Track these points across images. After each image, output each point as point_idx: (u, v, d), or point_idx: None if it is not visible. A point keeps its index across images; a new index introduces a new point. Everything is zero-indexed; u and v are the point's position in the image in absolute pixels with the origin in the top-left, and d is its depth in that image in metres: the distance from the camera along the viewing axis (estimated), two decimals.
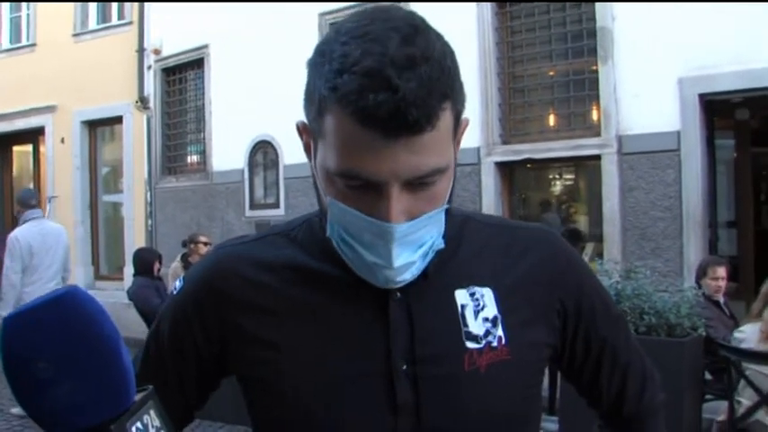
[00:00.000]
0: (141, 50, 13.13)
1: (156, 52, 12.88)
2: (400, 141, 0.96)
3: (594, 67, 8.22)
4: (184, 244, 9.21)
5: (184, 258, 8.72)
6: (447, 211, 1.12)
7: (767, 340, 4.95)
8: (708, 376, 5.74)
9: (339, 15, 9.34)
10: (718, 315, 5.91)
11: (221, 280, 1.19)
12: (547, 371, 1.32)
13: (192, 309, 1.21)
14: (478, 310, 1.15)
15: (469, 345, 1.12)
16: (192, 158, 12.97)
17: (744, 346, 5.01)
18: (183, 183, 12.77)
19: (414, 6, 9.05)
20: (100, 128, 14.68)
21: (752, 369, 4.85)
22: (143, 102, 13.11)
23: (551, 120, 8.79)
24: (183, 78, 12.94)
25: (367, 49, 0.96)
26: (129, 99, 13.27)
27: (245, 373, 1.19)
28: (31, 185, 16.35)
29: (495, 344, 1.13)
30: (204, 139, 12.41)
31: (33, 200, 7.31)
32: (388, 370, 1.10)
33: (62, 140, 14.56)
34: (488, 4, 8.90)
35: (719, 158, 8.89)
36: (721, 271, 6.05)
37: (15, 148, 16.88)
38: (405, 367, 1.10)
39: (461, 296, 1.15)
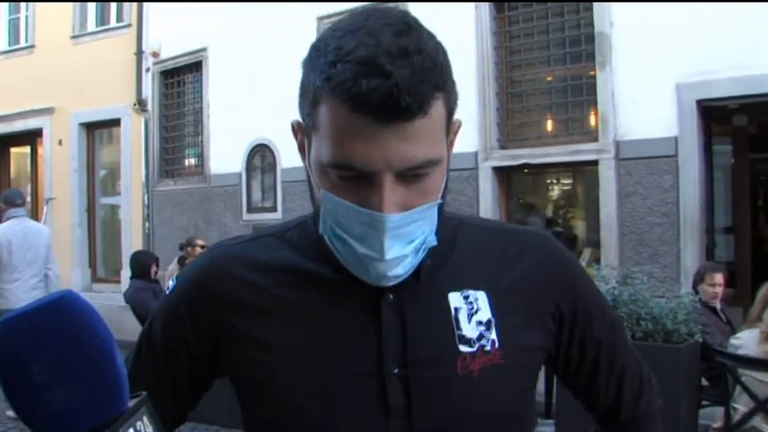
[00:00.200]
0: (140, 53, 13.14)
1: (155, 55, 12.88)
2: (392, 128, 0.98)
3: (592, 73, 8.23)
4: (182, 247, 9.21)
5: (181, 261, 8.72)
6: (441, 213, 1.12)
7: (767, 341, 4.94)
8: (704, 382, 5.74)
9: (337, 19, 9.35)
10: (715, 321, 5.91)
11: (215, 280, 1.19)
12: (543, 374, 1.32)
13: (184, 308, 1.21)
14: (472, 313, 1.15)
15: (462, 348, 1.12)
16: (190, 161, 12.97)
17: (740, 352, 5.01)
18: (181, 186, 12.76)
19: (412, 9, 9.05)
20: (98, 130, 14.67)
21: (748, 375, 4.85)
22: (141, 104, 13.11)
23: (549, 125, 8.80)
24: (181, 81, 12.94)
25: (361, 41, 0.98)
26: (127, 101, 13.27)
27: (238, 373, 1.19)
28: (29, 187, 16.36)
29: (488, 347, 1.13)
30: (202, 142, 12.41)
31: (19, 199, 7.41)
32: (380, 372, 1.10)
33: (60, 142, 14.55)
34: (487, 7, 8.90)
35: (717, 164, 8.91)
36: (718, 277, 6.06)
37: (13, 150, 16.87)
38: (396, 370, 1.10)
39: (455, 299, 1.15)
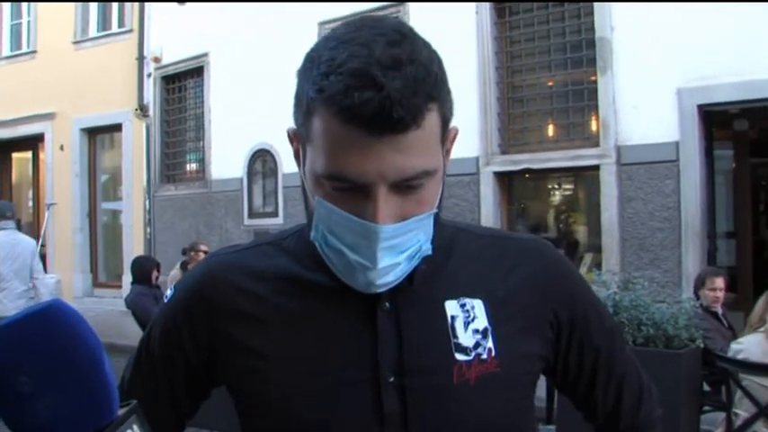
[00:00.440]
0: (141, 58, 13.17)
1: (156, 60, 12.91)
2: (385, 140, 0.97)
3: (593, 78, 8.23)
4: (185, 252, 9.21)
5: (184, 266, 8.72)
6: (437, 221, 1.12)
7: None
8: (706, 388, 5.73)
9: (339, 24, 9.37)
10: (717, 326, 5.90)
11: (212, 288, 1.19)
12: (544, 380, 1.32)
13: (182, 317, 1.21)
14: (468, 321, 1.14)
15: (459, 357, 1.11)
16: (191, 166, 12.98)
17: (742, 357, 4.99)
18: (182, 191, 12.77)
19: (414, 14, 9.09)
20: (99, 135, 14.70)
21: (749, 380, 4.84)
22: (142, 109, 13.14)
23: (550, 130, 8.80)
24: (182, 86, 12.96)
25: (353, 52, 0.97)
26: (128, 107, 13.30)
27: (235, 381, 1.19)
28: (30, 192, 16.40)
29: (484, 356, 1.12)
30: (203, 147, 12.43)
31: (9, 212, 7.67)
32: (376, 380, 1.09)
33: (61, 147, 14.58)
34: (488, 12, 8.92)
35: (718, 169, 8.90)
36: (720, 282, 6.04)
37: (15, 155, 16.90)
38: (392, 379, 1.09)
39: (451, 307, 1.15)
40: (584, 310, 1.25)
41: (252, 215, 11.59)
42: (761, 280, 7.49)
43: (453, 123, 1.11)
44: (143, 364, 1.26)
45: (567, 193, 9.70)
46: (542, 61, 8.80)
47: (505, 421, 1.15)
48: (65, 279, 14.36)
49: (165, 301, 1.27)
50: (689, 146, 7.57)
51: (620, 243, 7.96)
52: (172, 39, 12.58)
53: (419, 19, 9.25)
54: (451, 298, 1.15)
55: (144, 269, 7.78)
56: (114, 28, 14.27)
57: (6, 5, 16.05)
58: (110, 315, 11.98)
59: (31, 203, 16.71)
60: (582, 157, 8.29)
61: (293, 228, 1.27)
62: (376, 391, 1.09)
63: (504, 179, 9.05)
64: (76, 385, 0.84)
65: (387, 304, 1.12)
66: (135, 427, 0.89)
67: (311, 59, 1.03)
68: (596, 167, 8.16)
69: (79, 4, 14.33)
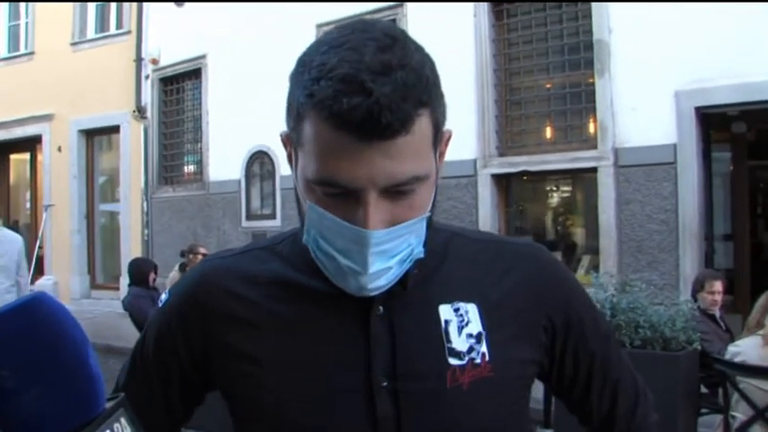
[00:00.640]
0: (139, 60, 13.16)
1: (154, 62, 12.91)
2: (374, 145, 0.97)
3: (591, 80, 8.24)
4: (183, 254, 9.20)
5: (182, 268, 8.71)
6: (430, 224, 1.11)
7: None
8: (703, 390, 5.72)
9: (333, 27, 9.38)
10: (714, 329, 5.90)
11: (206, 293, 1.19)
12: (542, 383, 1.31)
13: (176, 322, 1.21)
14: (462, 325, 1.14)
15: (452, 361, 1.11)
16: (189, 168, 12.98)
17: (739, 359, 4.99)
18: (180, 192, 12.77)
19: (412, 16, 9.08)
20: (97, 137, 14.70)
21: (747, 383, 4.83)
22: (140, 111, 13.13)
23: (548, 132, 8.81)
24: (180, 88, 12.96)
25: (344, 56, 0.97)
26: (126, 108, 13.29)
27: (228, 386, 1.19)
28: (28, 194, 16.38)
29: (478, 361, 1.12)
30: (201, 149, 12.43)
31: None
32: (369, 385, 1.09)
33: (59, 149, 14.57)
34: (486, 15, 8.93)
35: (716, 171, 8.92)
36: (718, 285, 6.04)
37: (12, 157, 16.89)
38: (386, 383, 1.09)
39: (445, 311, 1.14)
40: (578, 315, 1.25)
41: (250, 217, 11.59)
42: (758, 282, 7.50)
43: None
44: (137, 368, 1.26)
45: (565, 195, 9.71)
46: (540, 63, 8.80)
47: (499, 426, 1.14)
48: (62, 280, 14.35)
49: (160, 305, 1.27)
50: (687, 148, 7.58)
51: (618, 245, 7.97)
52: (170, 40, 12.58)
53: (417, 21, 9.27)
54: (445, 302, 1.15)
55: (141, 271, 7.77)
56: (112, 29, 14.27)
57: (4, 7, 16.05)
58: (107, 317, 11.97)
59: (28, 205, 16.70)
60: (580, 159, 8.30)
61: (287, 232, 1.27)
62: (369, 396, 1.09)
63: (501, 181, 9.06)
64: (62, 379, 0.83)
65: (380, 308, 1.12)
66: (122, 420, 0.88)
67: (303, 64, 1.03)
68: (594, 170, 8.16)
69: (77, 5, 14.33)
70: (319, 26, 9.79)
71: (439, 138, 1.07)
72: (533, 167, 8.69)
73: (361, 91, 0.94)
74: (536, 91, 8.89)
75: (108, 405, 0.88)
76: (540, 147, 8.75)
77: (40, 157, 15.56)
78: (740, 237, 9.15)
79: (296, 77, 1.04)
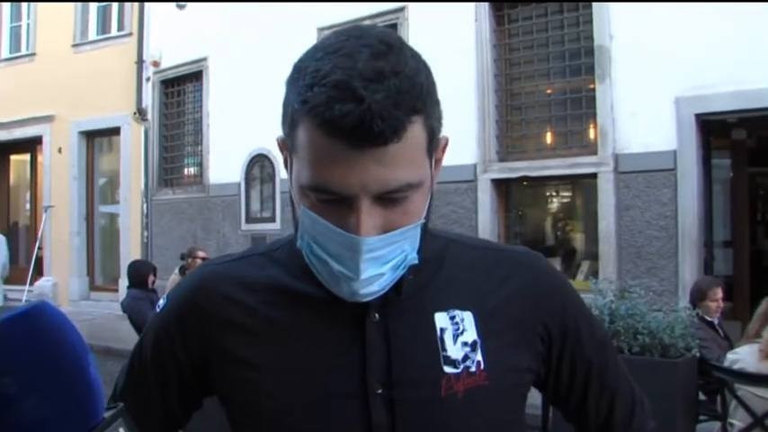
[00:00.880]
0: (140, 62, 13.17)
1: (155, 64, 12.92)
2: (366, 152, 0.97)
3: (592, 86, 8.25)
4: (183, 257, 9.19)
5: (182, 271, 8.70)
6: (426, 231, 1.12)
7: (767, 359, 4.91)
8: (702, 397, 5.72)
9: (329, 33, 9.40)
10: (713, 336, 5.89)
11: (204, 299, 1.20)
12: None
13: (174, 326, 1.22)
14: (458, 334, 1.14)
15: (447, 369, 1.11)
16: (189, 171, 12.99)
17: (738, 366, 4.99)
18: (180, 195, 12.77)
19: (413, 21, 9.07)
20: (97, 138, 14.71)
21: (745, 390, 4.83)
22: (141, 113, 13.14)
23: (548, 137, 8.81)
24: (181, 91, 12.97)
25: (337, 63, 0.97)
26: (127, 110, 13.30)
27: (226, 392, 1.19)
28: (28, 195, 16.38)
29: (473, 369, 1.12)
30: (201, 151, 12.43)
31: None
32: (364, 392, 1.10)
33: (59, 150, 14.58)
34: (487, 20, 8.94)
35: (716, 178, 8.93)
36: (720, 292, 6.04)
37: (13, 157, 16.90)
38: (380, 390, 1.10)
39: (441, 319, 1.15)
40: (575, 323, 1.25)
41: (249, 220, 11.59)
42: (758, 289, 7.49)
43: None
44: (135, 372, 1.27)
45: (565, 200, 9.71)
46: (541, 69, 8.81)
47: None
48: (62, 282, 14.36)
49: (158, 310, 1.27)
50: (687, 154, 7.58)
51: (617, 251, 7.97)
52: (171, 43, 12.59)
53: (418, 26, 9.28)
54: (441, 310, 1.15)
55: (141, 273, 7.77)
56: (114, 31, 14.28)
57: (6, 8, 16.07)
58: (106, 319, 11.97)
59: (28, 206, 16.70)
60: (580, 164, 8.30)
61: (285, 238, 1.27)
62: (365, 403, 1.09)
63: (501, 186, 9.06)
64: (61, 387, 0.84)
65: (376, 315, 1.12)
66: (121, 430, 0.89)
67: (298, 70, 1.03)
68: (594, 175, 8.17)
69: (79, 6, 14.34)
70: (321, 29, 9.81)
71: (434, 145, 1.07)
72: (533, 173, 8.70)
73: (354, 98, 0.94)
74: (536, 96, 8.89)
75: (107, 414, 0.88)
76: (540, 152, 8.75)
77: (40, 159, 15.57)
78: (740, 243, 9.15)
79: (291, 83, 1.04)
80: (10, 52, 16.00)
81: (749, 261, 9.12)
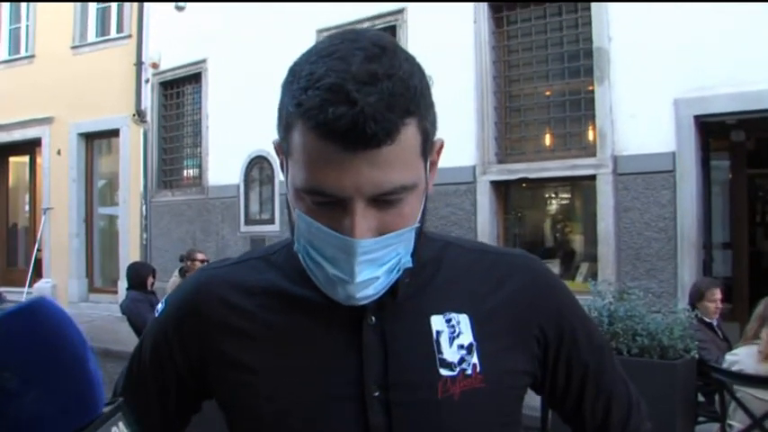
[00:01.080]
0: (139, 64, 13.18)
1: (155, 66, 12.92)
2: (360, 155, 0.97)
3: (591, 88, 8.25)
4: (182, 259, 9.19)
5: (182, 273, 8.70)
6: (421, 233, 1.12)
7: (766, 360, 4.92)
8: (700, 398, 5.73)
9: (336, 32, 9.40)
10: (712, 337, 5.90)
11: (202, 303, 1.21)
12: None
13: (172, 330, 1.22)
14: (454, 336, 1.14)
15: (443, 372, 1.12)
16: (189, 173, 12.99)
17: (736, 368, 4.99)
18: (179, 197, 12.77)
19: (412, 23, 9.07)
20: (97, 140, 14.71)
21: (744, 392, 4.84)
22: (140, 115, 13.14)
23: (547, 139, 8.81)
24: (180, 92, 12.98)
25: (331, 66, 0.98)
26: (126, 112, 13.30)
27: (224, 395, 1.20)
28: (27, 197, 16.39)
29: (469, 371, 1.13)
30: (200, 153, 12.44)
31: None
32: (361, 395, 1.10)
33: (59, 152, 14.58)
34: (486, 22, 8.94)
35: (715, 180, 8.93)
36: (718, 292, 6.05)
37: (12, 159, 16.90)
38: (377, 393, 1.10)
39: (437, 322, 1.15)
40: (571, 326, 1.25)
41: (248, 222, 11.59)
42: (757, 291, 7.49)
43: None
44: (134, 375, 1.28)
45: (564, 202, 9.71)
46: (540, 71, 8.82)
47: None
48: (61, 284, 14.36)
49: (157, 314, 1.28)
50: (686, 156, 7.59)
51: (616, 253, 7.97)
52: (170, 44, 12.60)
53: (417, 28, 9.29)
54: (437, 313, 1.16)
55: (140, 275, 7.78)
56: (113, 33, 14.28)
57: (5, 9, 16.07)
58: (105, 320, 11.97)
59: (27, 208, 16.71)
60: (579, 166, 8.31)
61: (283, 241, 1.28)
62: (362, 406, 1.10)
63: (500, 188, 9.06)
64: (61, 382, 0.84)
65: (372, 318, 1.12)
66: (120, 424, 0.89)
67: (293, 73, 1.04)
68: (593, 177, 8.17)
69: (78, 7, 14.35)
70: (320, 31, 9.82)
71: (429, 147, 1.08)
72: (532, 174, 8.70)
73: (347, 101, 0.95)
74: (535, 98, 8.90)
75: (106, 409, 0.88)
76: (539, 154, 8.75)
77: (39, 160, 15.57)
78: (739, 245, 9.15)
79: (286, 86, 1.05)
80: (9, 54, 16.01)
81: (748, 263, 9.12)
